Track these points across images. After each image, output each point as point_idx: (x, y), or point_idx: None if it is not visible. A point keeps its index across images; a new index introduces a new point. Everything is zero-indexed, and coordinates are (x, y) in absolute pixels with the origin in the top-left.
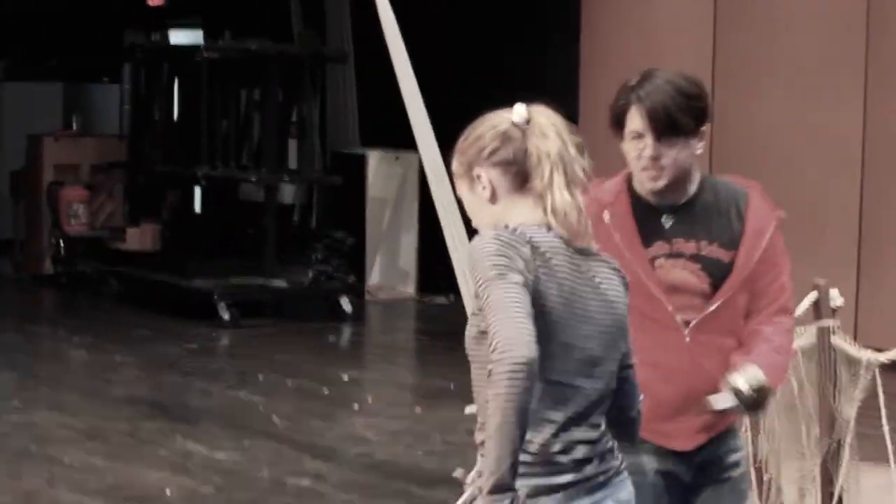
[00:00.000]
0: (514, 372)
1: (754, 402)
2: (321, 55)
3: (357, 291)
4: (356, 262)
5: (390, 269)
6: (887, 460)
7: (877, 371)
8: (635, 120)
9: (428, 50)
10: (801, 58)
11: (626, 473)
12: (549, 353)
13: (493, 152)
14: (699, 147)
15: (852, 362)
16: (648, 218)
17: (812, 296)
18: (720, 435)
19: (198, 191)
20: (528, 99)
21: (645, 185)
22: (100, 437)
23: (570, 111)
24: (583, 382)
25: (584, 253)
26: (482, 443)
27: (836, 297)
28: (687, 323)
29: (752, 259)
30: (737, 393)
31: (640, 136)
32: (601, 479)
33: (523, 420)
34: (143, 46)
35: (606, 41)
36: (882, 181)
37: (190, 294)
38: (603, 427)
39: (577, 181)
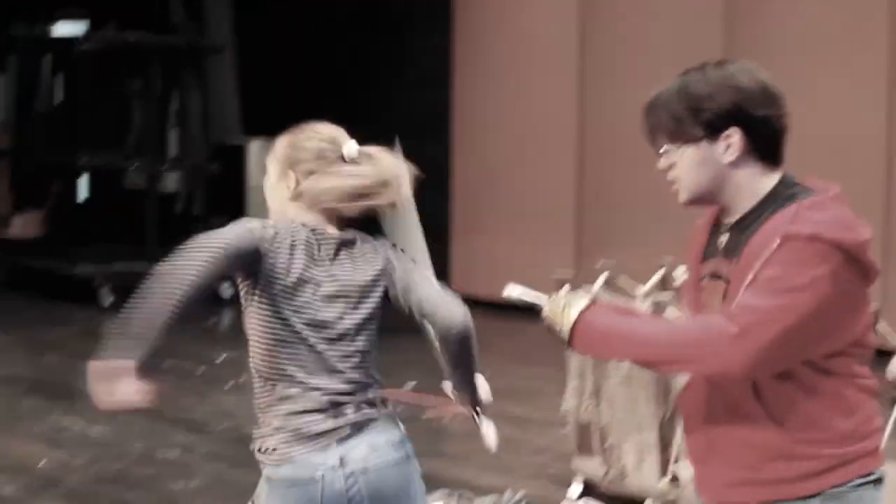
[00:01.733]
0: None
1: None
2: (199, 46)
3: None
4: None
5: None
6: None
7: None
8: None
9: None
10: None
11: (387, 419)
12: (283, 315)
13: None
14: (727, 155)
15: None
16: (715, 234)
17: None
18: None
19: (84, 179)
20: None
21: None
22: None
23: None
24: (318, 342)
25: (336, 240)
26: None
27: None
28: None
29: (742, 282)
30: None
31: None
32: (355, 426)
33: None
34: (24, 38)
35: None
36: None
37: (73, 280)
38: (364, 381)
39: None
